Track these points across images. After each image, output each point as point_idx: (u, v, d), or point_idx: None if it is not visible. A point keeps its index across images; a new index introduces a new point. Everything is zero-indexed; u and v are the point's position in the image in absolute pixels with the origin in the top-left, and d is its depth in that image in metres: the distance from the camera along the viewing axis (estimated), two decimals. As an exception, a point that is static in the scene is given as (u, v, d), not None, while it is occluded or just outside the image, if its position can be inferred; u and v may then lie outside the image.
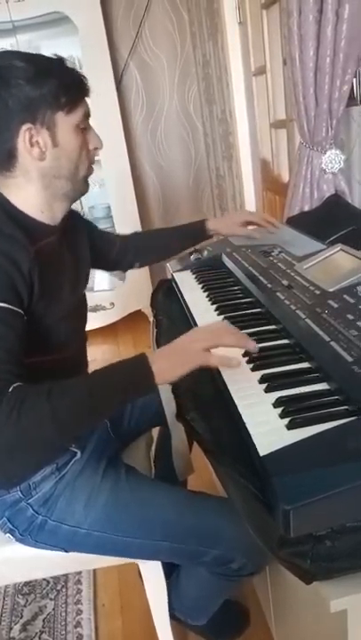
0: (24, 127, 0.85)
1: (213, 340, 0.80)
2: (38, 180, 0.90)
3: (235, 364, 0.79)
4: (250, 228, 1.41)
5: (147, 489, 1.00)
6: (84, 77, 0.92)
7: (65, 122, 0.88)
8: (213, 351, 0.80)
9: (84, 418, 0.77)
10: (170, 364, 0.78)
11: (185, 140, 3.22)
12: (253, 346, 0.83)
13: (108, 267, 1.37)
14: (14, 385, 0.74)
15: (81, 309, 1.08)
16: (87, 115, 0.92)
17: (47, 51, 0.92)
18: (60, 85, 0.85)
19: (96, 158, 0.98)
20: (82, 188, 0.97)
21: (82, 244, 1.11)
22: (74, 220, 1.08)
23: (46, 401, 0.72)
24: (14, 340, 0.79)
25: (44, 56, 0.89)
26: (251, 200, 2.89)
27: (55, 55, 0.90)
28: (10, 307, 0.79)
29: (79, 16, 2.61)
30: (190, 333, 0.83)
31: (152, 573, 1.08)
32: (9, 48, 2.63)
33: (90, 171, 0.97)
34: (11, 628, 1.41)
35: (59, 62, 0.89)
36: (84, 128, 0.92)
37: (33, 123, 0.85)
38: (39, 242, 0.91)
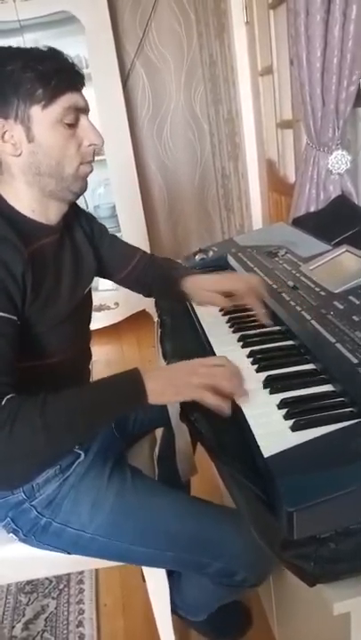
0: None
1: (212, 381, 0.78)
2: (21, 177, 0.87)
3: (226, 413, 0.76)
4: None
5: (153, 494, 0.98)
6: (73, 70, 0.85)
7: (42, 116, 0.83)
8: None
9: (75, 432, 0.78)
10: (164, 390, 0.79)
11: (191, 140, 3.22)
12: (237, 400, 0.79)
13: (112, 279, 1.22)
14: (8, 397, 0.74)
15: (83, 310, 1.03)
16: (76, 109, 0.86)
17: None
18: (35, 79, 0.81)
19: (101, 157, 0.94)
20: (73, 186, 0.90)
21: (83, 242, 1.05)
22: (78, 218, 1.05)
23: (39, 416, 0.72)
24: (7, 349, 0.78)
25: (28, 49, 0.85)
26: (256, 200, 2.88)
27: (45, 47, 0.85)
28: (1, 314, 0.77)
29: (86, 15, 2.61)
30: (192, 364, 0.82)
31: (154, 574, 1.07)
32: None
33: (85, 169, 0.90)
34: (13, 627, 1.41)
35: (38, 55, 0.83)
36: (70, 123, 0.85)
37: (5, 118, 0.83)
38: (34, 243, 0.88)
